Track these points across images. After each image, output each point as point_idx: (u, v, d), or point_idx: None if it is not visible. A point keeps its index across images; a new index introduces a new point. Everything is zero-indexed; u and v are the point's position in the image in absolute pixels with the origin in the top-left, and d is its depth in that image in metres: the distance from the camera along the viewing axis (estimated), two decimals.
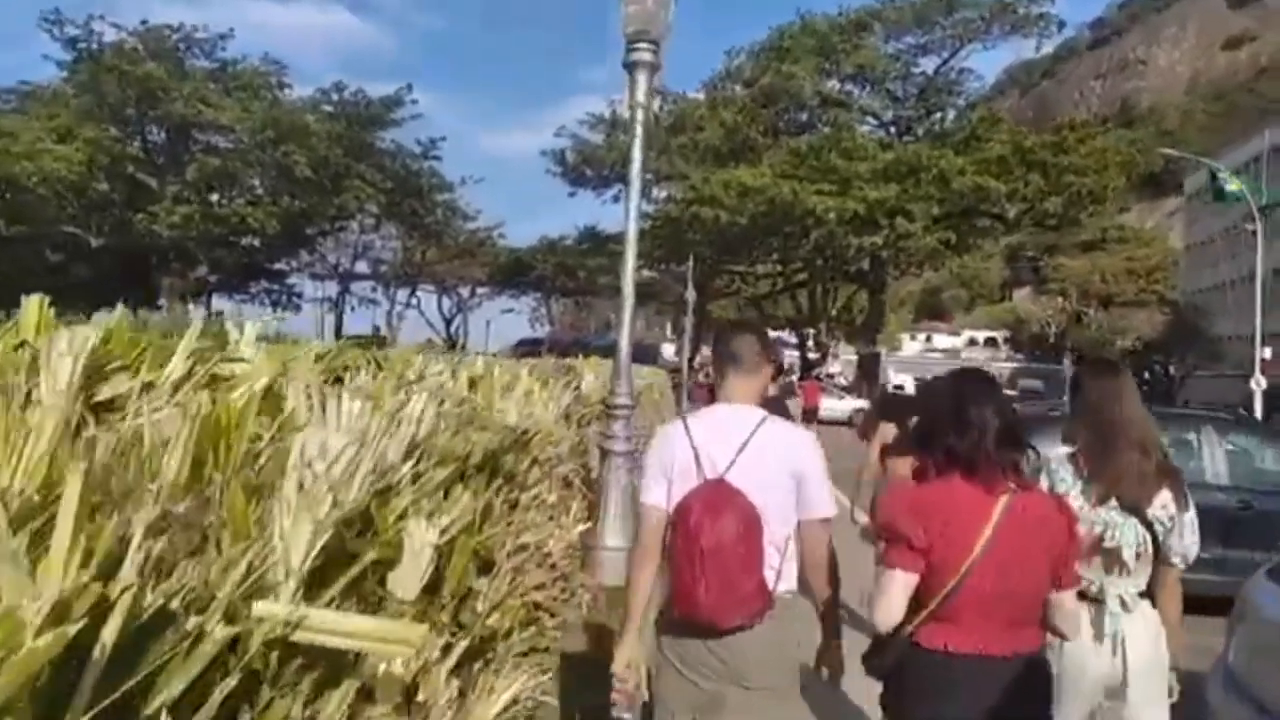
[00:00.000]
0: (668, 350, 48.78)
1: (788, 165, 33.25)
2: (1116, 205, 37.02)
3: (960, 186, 31.27)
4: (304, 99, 46.84)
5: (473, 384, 6.22)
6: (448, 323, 73.16)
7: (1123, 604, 2.87)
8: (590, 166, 40.85)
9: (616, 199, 42.61)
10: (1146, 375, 62.29)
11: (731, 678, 2.60)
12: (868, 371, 38.70)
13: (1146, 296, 77.59)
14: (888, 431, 5.78)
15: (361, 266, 60.93)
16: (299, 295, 57.38)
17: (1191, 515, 2.92)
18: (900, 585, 2.39)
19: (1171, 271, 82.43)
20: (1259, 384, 29.75)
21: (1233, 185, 33.86)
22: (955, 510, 2.38)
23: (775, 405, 8.93)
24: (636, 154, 6.32)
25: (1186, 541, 2.90)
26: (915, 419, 3.92)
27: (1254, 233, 30.76)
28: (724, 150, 37.25)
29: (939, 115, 37.76)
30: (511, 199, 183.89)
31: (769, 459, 2.63)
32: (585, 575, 5.79)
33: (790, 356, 59.37)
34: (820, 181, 32.15)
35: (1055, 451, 3.02)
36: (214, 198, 45.54)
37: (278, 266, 55.32)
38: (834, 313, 43.81)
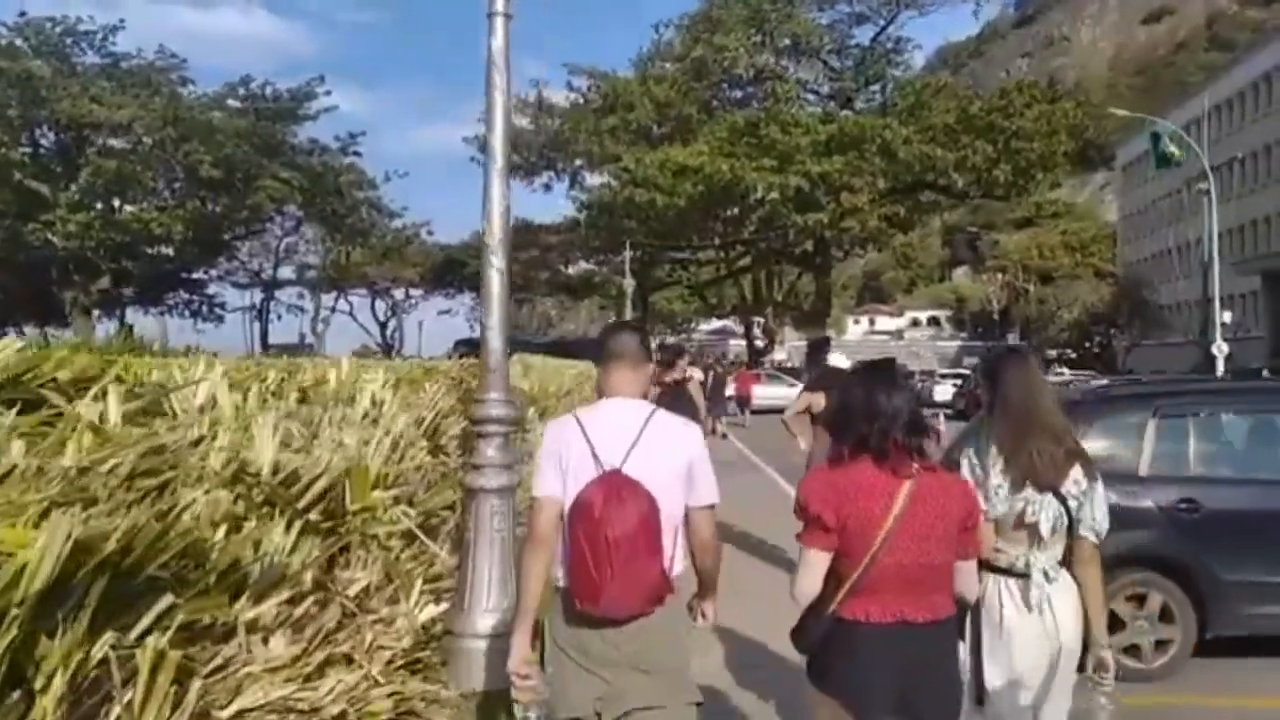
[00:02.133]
0: None
1: (725, 142, 31.30)
2: (1053, 178, 35.80)
3: (907, 156, 29.59)
4: (208, 95, 43.86)
5: (304, 397, 4.35)
6: (382, 327, 71.18)
7: (1046, 575, 3.02)
8: (516, 152, 38.44)
9: (548, 187, 40.54)
10: (1089, 346, 62.39)
11: (635, 665, 2.63)
12: (818, 356, 36.94)
13: (1083, 270, 77.82)
14: (818, 400, 6.54)
15: (286, 272, 58.07)
16: (221, 305, 54.46)
17: (1101, 488, 3.09)
18: (815, 563, 2.56)
19: (1107, 244, 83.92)
20: (1220, 349, 28.65)
21: (1174, 150, 33.23)
22: (864, 492, 2.53)
23: (674, 391, 8.52)
24: (499, 115, 4.28)
25: (1098, 515, 3.07)
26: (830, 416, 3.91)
27: (1205, 191, 29.79)
28: (657, 130, 35.35)
29: (879, 86, 36.11)
30: (445, 195, 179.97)
31: (661, 450, 2.69)
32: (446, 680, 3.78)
33: (737, 346, 57.92)
34: (760, 158, 30.29)
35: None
36: (115, 203, 42.52)
37: (195, 275, 52.32)
38: (779, 298, 42.08)
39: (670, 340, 43.00)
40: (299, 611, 2.75)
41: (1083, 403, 5.97)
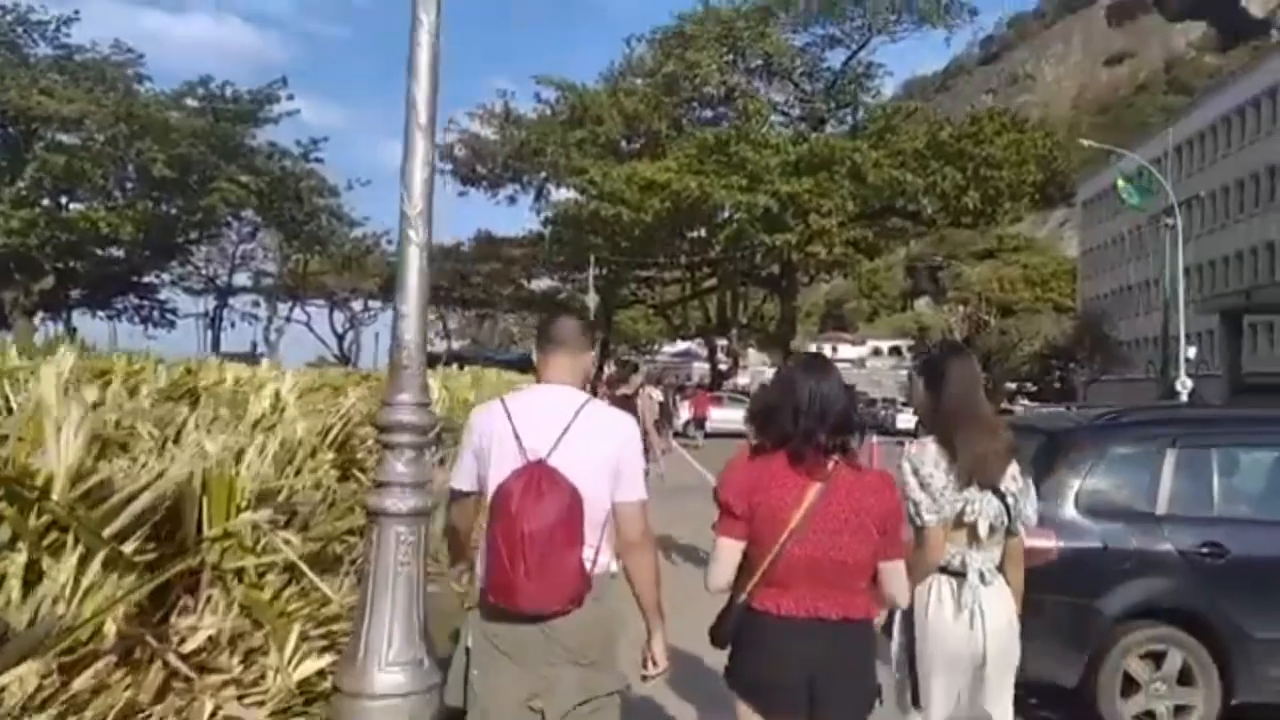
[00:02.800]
0: None
1: (694, 159, 30.73)
2: (1020, 207, 35.77)
3: (876, 180, 29.19)
4: (165, 93, 42.49)
5: (195, 399, 3.51)
6: (340, 338, 69.84)
7: (982, 577, 2.96)
8: (481, 163, 37.64)
9: (513, 200, 39.61)
10: (1049, 379, 62.70)
11: (567, 657, 2.56)
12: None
13: (1043, 304, 78.85)
14: None
15: (242, 279, 56.48)
16: (173, 311, 52.71)
17: (1031, 487, 3.09)
18: (726, 552, 2.57)
19: (1067, 279, 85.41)
20: (1184, 385, 28.55)
21: (1130, 195, 33.49)
22: (777, 482, 2.53)
23: (625, 405, 8.37)
24: (424, 61, 3.52)
25: (1029, 510, 3.05)
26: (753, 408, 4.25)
27: (1171, 226, 29.78)
28: (626, 145, 34.69)
29: (850, 110, 35.81)
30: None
31: (592, 441, 2.60)
32: None
33: (701, 368, 57.35)
34: (729, 176, 29.75)
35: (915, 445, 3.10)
36: (62, 200, 41.03)
37: (146, 279, 50.58)
38: (744, 320, 41.50)
39: (629, 359, 42.49)
40: (83, 680, 1.96)
41: (1087, 429, 5.28)
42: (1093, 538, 4.60)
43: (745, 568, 2.55)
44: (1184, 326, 29.63)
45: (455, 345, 68.09)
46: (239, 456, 3.08)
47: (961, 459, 2.96)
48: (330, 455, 3.98)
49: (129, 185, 42.73)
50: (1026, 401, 27.94)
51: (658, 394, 26.05)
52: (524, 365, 28.33)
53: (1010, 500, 2.98)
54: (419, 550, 3.33)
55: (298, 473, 3.64)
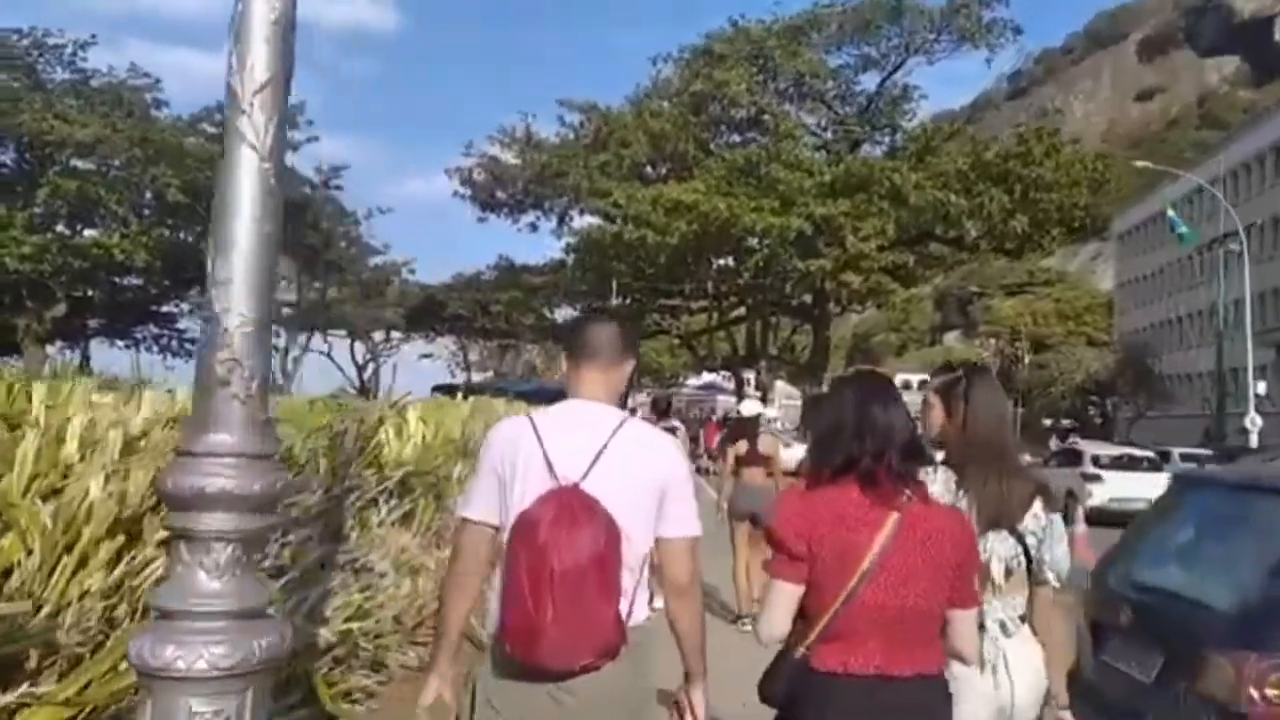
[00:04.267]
0: None
1: (723, 181, 29.21)
2: (1064, 238, 33.98)
3: (918, 201, 27.44)
4: (182, 119, 41.83)
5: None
6: (359, 369, 69.24)
7: (1003, 628, 2.70)
8: (501, 188, 36.35)
9: (534, 227, 38.25)
10: (1090, 415, 60.52)
11: None
12: (814, 415, 34.52)
13: (1075, 339, 77.40)
14: (740, 448, 8.14)
15: None
16: (192, 341, 52.00)
17: (1059, 520, 2.77)
18: (782, 597, 2.25)
19: (1101, 313, 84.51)
20: (1253, 424, 26.37)
21: (1179, 224, 31.94)
22: (844, 519, 2.22)
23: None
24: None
25: (1058, 553, 2.72)
26: (810, 430, 3.44)
27: (1238, 253, 27.89)
28: (652, 170, 33.26)
29: (887, 131, 34.19)
30: (433, 241, 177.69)
31: (631, 466, 2.26)
32: None
33: (726, 401, 55.57)
34: (759, 198, 28.19)
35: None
36: (77, 227, 40.43)
37: (165, 309, 49.99)
38: (774, 351, 39.71)
39: (659, 393, 41.25)
40: None
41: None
42: None
43: (800, 617, 2.23)
44: (1251, 359, 27.52)
45: (476, 377, 67.10)
46: None
47: (983, 494, 2.67)
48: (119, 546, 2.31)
49: (146, 212, 42.09)
50: (1081, 441, 26.12)
51: (682, 429, 25.04)
52: (546, 397, 26.63)
53: (1031, 540, 2.70)
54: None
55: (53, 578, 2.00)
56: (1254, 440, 25.60)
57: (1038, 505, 2.72)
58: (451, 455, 7.02)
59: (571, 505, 2.10)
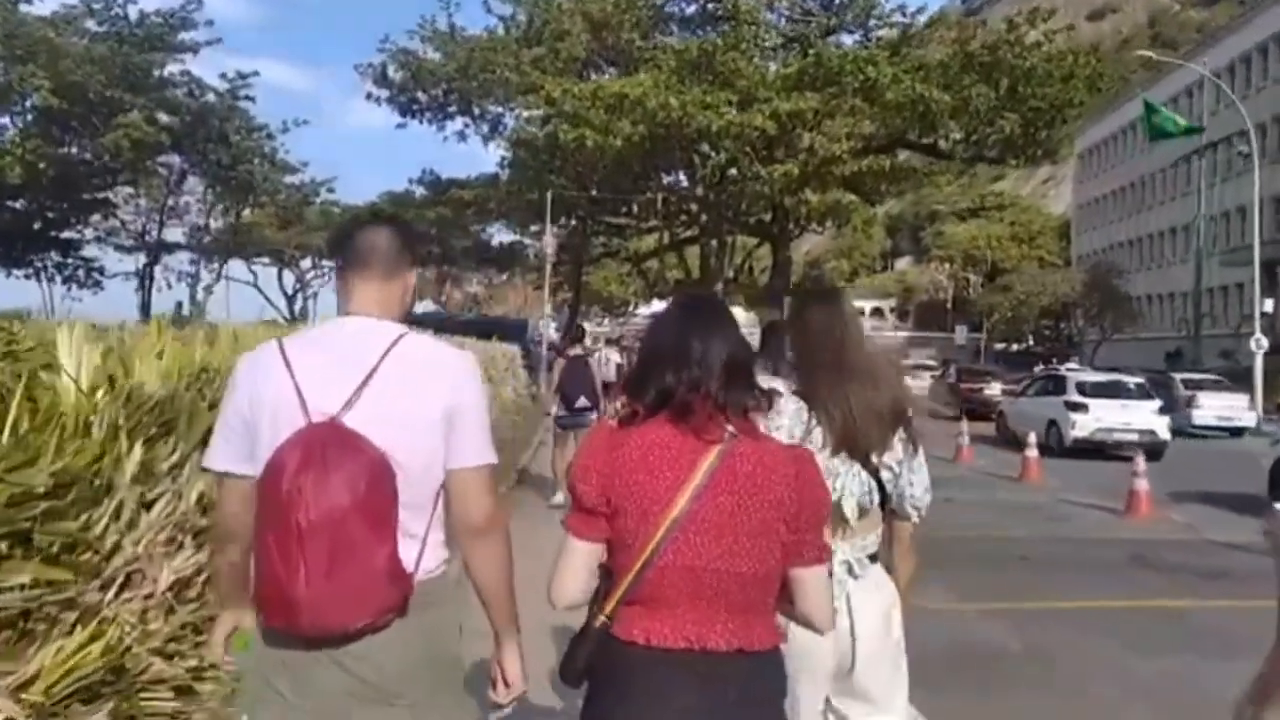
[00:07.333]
0: (550, 327, 41.17)
1: (673, 74, 25.49)
2: (1066, 131, 31.17)
3: (895, 97, 23.97)
4: (56, 13, 36.70)
5: None
6: (289, 298, 65.53)
7: (850, 570, 2.45)
8: (422, 87, 32.15)
9: (462, 136, 34.10)
10: (1054, 338, 59.21)
11: (368, 696, 1.84)
12: (774, 342, 31.48)
13: (1028, 261, 76.55)
14: None
15: (176, 235, 51.13)
16: (100, 270, 47.35)
17: (922, 459, 2.56)
18: (574, 556, 1.86)
19: (1053, 235, 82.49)
20: (1259, 344, 23.92)
21: (1177, 119, 29.47)
22: (652, 461, 1.83)
23: (574, 366, 9.74)
24: None
25: (918, 490, 2.53)
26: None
27: (1246, 154, 25.14)
28: (593, 68, 29.43)
29: (858, 26, 30.53)
30: (368, 165, 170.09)
31: (410, 389, 1.89)
32: None
33: None
34: (716, 93, 24.57)
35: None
36: None
37: (68, 235, 45.24)
38: (731, 274, 36.58)
39: (589, 325, 38.33)
40: None
41: None
42: None
43: (609, 577, 1.84)
44: (1258, 275, 24.90)
45: (418, 309, 63.41)
46: None
47: (828, 416, 2.39)
48: None
49: (27, 120, 37.17)
50: (1064, 366, 23.61)
51: (616, 356, 21.91)
52: (479, 328, 23.55)
53: (886, 474, 2.46)
54: None
55: None
56: (1257, 365, 23.08)
57: (901, 434, 2.50)
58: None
59: (323, 445, 1.77)
